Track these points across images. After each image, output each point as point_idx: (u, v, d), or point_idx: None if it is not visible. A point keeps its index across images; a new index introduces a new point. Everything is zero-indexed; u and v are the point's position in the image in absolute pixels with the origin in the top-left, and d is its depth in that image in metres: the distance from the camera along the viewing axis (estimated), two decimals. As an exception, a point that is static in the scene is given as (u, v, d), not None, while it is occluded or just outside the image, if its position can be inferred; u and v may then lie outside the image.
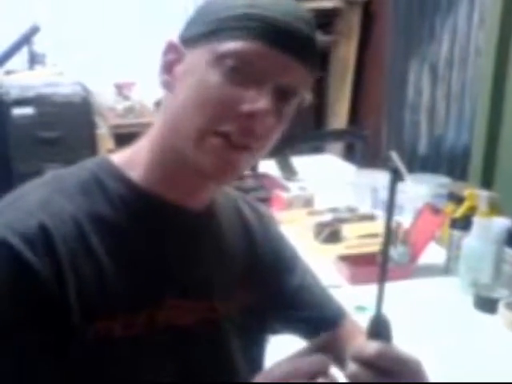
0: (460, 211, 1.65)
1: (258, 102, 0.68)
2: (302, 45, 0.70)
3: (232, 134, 0.69)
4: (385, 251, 0.63)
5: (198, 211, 0.79)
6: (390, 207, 0.61)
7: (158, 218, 0.76)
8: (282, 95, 0.71)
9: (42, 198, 0.71)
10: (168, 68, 0.74)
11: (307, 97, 0.75)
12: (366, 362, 0.61)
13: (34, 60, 3.63)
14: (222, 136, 0.69)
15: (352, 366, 0.61)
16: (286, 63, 0.69)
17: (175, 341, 0.75)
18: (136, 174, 0.76)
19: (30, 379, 0.66)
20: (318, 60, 0.74)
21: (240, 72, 0.68)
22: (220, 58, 0.69)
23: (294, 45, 0.69)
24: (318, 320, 0.92)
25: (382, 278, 0.62)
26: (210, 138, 0.70)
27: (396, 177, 0.60)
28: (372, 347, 0.61)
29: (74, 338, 0.67)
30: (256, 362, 0.87)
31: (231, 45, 0.68)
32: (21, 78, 3.31)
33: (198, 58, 0.71)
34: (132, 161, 0.77)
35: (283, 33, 0.68)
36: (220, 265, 0.82)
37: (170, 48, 0.74)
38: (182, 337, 0.75)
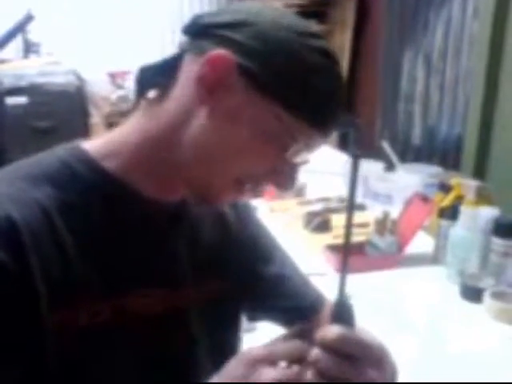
0: (447, 200, 1.65)
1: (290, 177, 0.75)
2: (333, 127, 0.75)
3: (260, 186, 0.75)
4: (347, 235, 0.63)
5: (171, 203, 0.79)
6: (352, 192, 0.62)
7: (130, 209, 0.75)
8: None
9: (10, 188, 0.70)
10: (212, 86, 0.69)
11: None
12: (328, 346, 0.61)
13: (29, 49, 3.62)
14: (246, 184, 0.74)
15: (314, 351, 0.61)
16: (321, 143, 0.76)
17: (144, 329, 0.75)
18: (112, 164, 0.75)
19: None
20: None
21: (293, 145, 0.72)
22: (290, 137, 0.71)
23: (332, 130, 0.75)
24: (297, 309, 0.92)
25: (345, 262, 0.62)
26: (235, 183, 0.73)
27: (357, 162, 0.60)
28: (333, 331, 0.61)
29: (41, 330, 0.67)
30: (229, 350, 0.87)
31: (304, 132, 0.71)
32: (15, 67, 3.30)
33: (265, 114, 0.69)
34: (109, 151, 0.76)
35: (330, 122, 0.73)
36: (189, 253, 0.82)
37: (226, 67, 0.68)
38: (150, 325, 0.75)
